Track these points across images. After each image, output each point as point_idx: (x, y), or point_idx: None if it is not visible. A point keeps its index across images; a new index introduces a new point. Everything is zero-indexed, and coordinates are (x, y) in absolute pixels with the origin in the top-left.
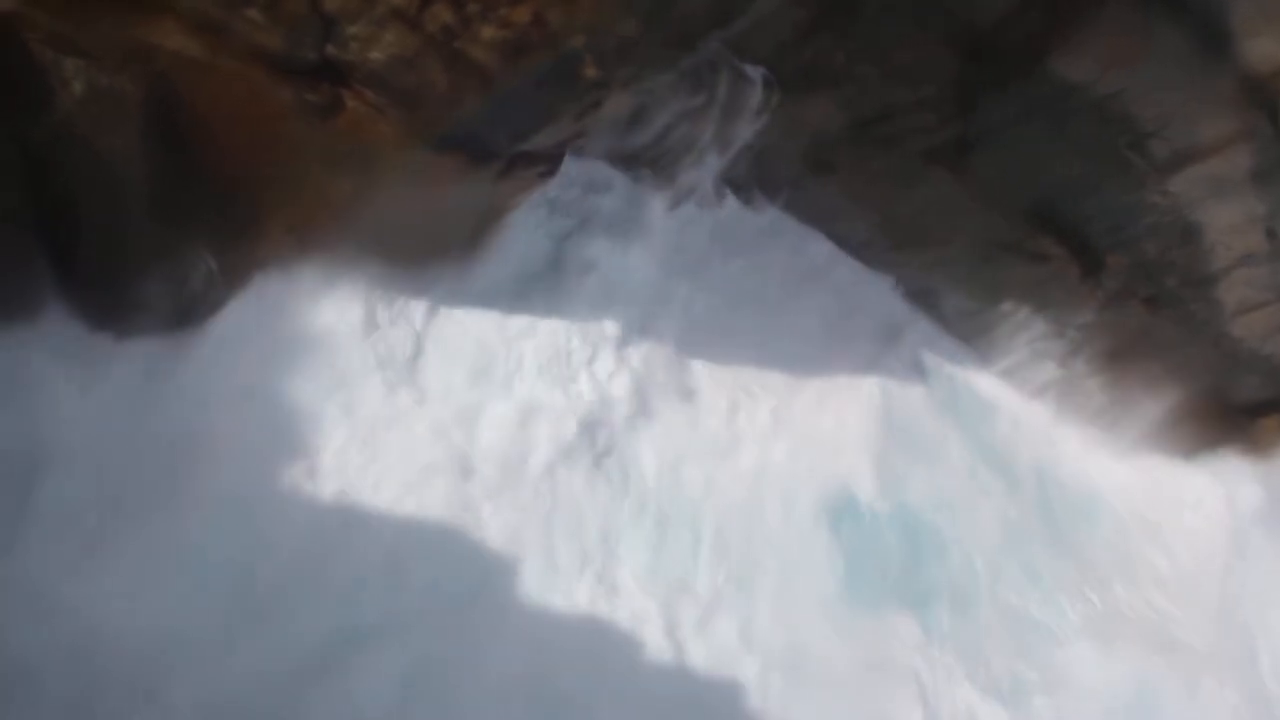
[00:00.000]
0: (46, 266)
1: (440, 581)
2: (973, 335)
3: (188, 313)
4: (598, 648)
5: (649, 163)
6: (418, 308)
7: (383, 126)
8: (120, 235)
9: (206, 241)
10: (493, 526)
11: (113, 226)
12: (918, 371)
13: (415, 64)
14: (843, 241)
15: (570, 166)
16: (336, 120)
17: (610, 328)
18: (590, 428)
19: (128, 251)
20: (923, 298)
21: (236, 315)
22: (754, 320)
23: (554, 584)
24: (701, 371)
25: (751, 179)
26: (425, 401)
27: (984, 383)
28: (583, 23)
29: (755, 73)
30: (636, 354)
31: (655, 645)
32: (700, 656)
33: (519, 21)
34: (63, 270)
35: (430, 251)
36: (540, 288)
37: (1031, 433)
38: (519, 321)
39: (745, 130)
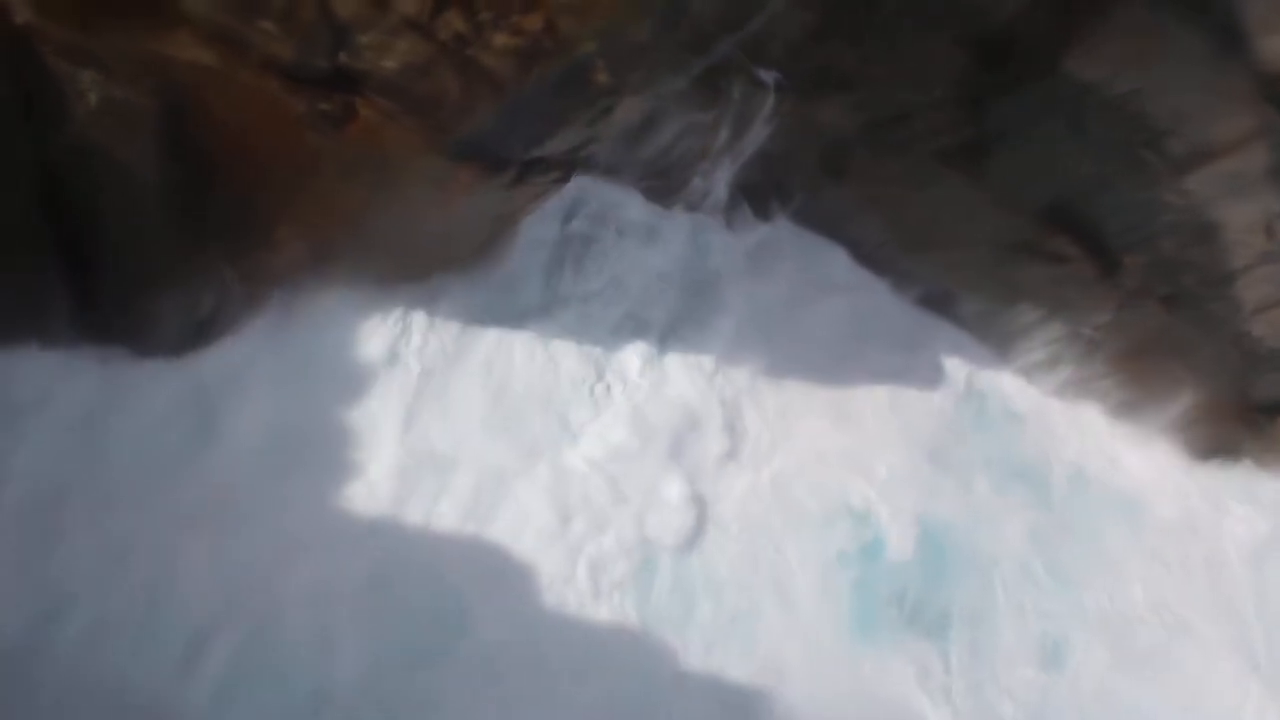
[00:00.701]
0: (62, 281)
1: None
2: (990, 339)
3: (204, 329)
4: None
5: (661, 171)
6: (431, 323)
7: (396, 134)
8: (136, 247)
9: (222, 252)
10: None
11: (129, 238)
12: (935, 380)
13: (428, 72)
14: (856, 247)
15: (583, 180)
16: (349, 129)
17: (619, 346)
18: (598, 456)
19: (144, 264)
20: (938, 302)
21: (249, 331)
22: (766, 333)
23: (563, 605)
24: (711, 388)
25: (765, 185)
26: (431, 428)
27: (1003, 387)
28: (595, 29)
29: (768, 76)
30: (645, 372)
31: (653, 677)
32: (699, 690)
33: (531, 29)
34: (78, 285)
35: (443, 260)
36: (550, 308)
37: (1051, 436)
38: (526, 344)
39: (758, 135)
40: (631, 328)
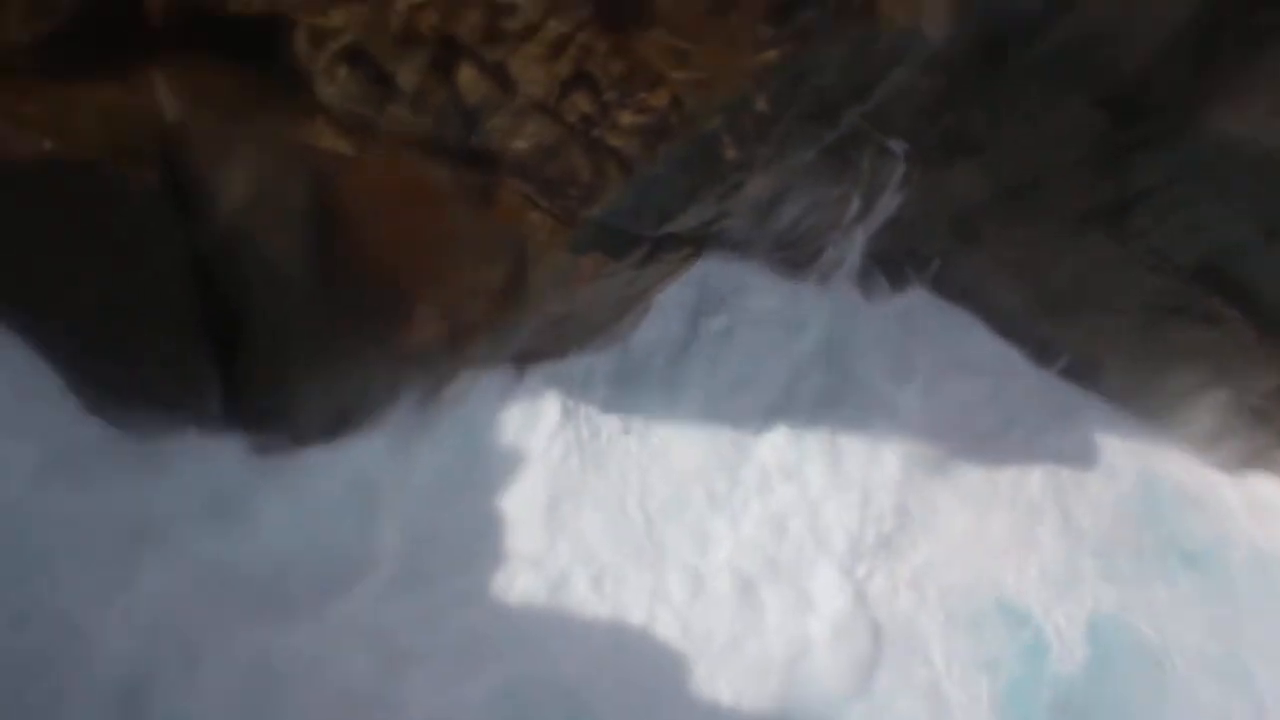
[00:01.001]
0: (213, 376)
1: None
2: (1146, 412)
3: (348, 415)
4: None
5: (792, 243)
6: (561, 422)
7: (534, 215)
8: (283, 333)
9: (366, 336)
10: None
11: (276, 325)
12: (1091, 460)
13: (557, 153)
14: (994, 315)
15: (712, 266)
16: (491, 209)
17: (756, 445)
18: (738, 565)
19: (290, 350)
20: (1085, 374)
21: (386, 423)
22: (909, 421)
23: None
24: (855, 487)
25: (898, 253)
26: (559, 537)
27: (1166, 464)
28: (719, 103)
29: (897, 146)
30: (784, 473)
31: None
32: None
33: (657, 106)
34: (226, 371)
35: (575, 340)
36: (683, 407)
37: (1224, 515)
38: (657, 446)
39: (889, 204)
40: (769, 425)
